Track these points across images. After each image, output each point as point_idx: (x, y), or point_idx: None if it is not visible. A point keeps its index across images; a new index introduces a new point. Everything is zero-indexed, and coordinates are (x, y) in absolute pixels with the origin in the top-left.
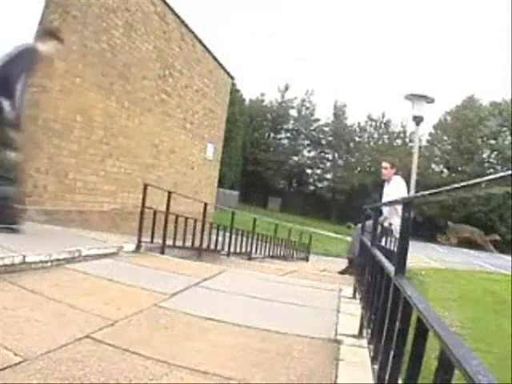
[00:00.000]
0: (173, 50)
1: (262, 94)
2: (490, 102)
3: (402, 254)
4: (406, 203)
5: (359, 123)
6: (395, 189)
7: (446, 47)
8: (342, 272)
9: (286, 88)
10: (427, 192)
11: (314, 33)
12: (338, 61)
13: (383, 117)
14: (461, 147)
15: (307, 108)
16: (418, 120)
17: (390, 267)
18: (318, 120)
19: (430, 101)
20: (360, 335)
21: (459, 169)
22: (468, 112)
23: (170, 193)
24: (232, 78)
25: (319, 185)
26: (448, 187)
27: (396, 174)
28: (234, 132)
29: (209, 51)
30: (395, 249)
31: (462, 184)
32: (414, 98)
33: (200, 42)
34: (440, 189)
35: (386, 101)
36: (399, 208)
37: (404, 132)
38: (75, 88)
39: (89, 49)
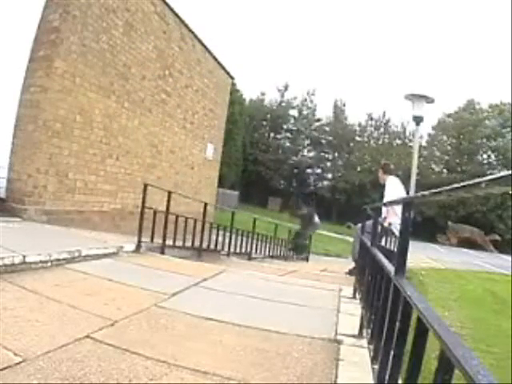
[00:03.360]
0: (173, 50)
1: (263, 94)
2: (489, 104)
3: (402, 253)
4: (406, 203)
5: (360, 123)
6: (386, 189)
7: (446, 47)
8: (349, 273)
9: (286, 87)
10: (427, 192)
11: (314, 32)
12: (338, 60)
13: (383, 116)
14: (460, 148)
15: (308, 107)
16: (418, 120)
17: (389, 267)
18: (319, 120)
19: (430, 101)
20: (360, 335)
21: (459, 169)
22: (467, 114)
23: (169, 193)
24: (232, 77)
25: (319, 184)
26: (448, 187)
27: (386, 173)
28: (234, 132)
29: (209, 51)
30: (395, 249)
31: (463, 184)
32: (414, 97)
33: (200, 41)
34: (440, 189)
35: (386, 100)
36: (396, 208)
37: (404, 132)
38: (75, 88)
39: (89, 49)
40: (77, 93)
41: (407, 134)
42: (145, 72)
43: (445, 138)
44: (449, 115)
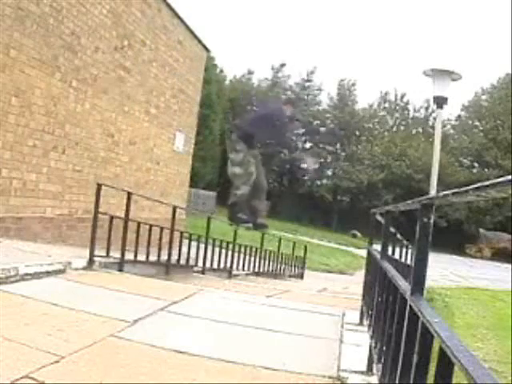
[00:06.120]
0: (133, 16)
1: (250, 73)
2: None
3: (420, 268)
4: (425, 205)
5: (371, 106)
6: None
7: (479, 12)
8: None
9: (282, 66)
10: (450, 191)
11: (317, 1)
12: (346, 32)
13: (401, 98)
14: (498, 137)
15: (306, 88)
16: (440, 102)
17: (405, 285)
18: (319, 103)
19: (457, 77)
20: (369, 371)
21: (494, 163)
22: (505, 90)
23: (130, 194)
24: (208, 50)
25: (317, 183)
26: (477, 185)
27: None
28: (211, 118)
29: (179, 17)
30: (411, 262)
31: (496, 181)
32: (436, 73)
33: (168, 5)
34: (467, 187)
35: (407, 79)
36: None
37: (427, 117)
38: (9, 63)
39: (27, 13)
40: (12, 69)
41: (431, 120)
42: (98, 43)
43: (477, 122)
44: (484, 91)
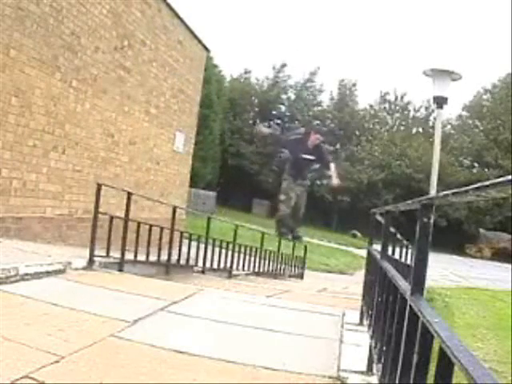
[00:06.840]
0: (133, 16)
1: (248, 72)
2: None
3: (420, 268)
4: (425, 205)
5: (372, 106)
6: None
7: (479, 12)
8: None
9: (283, 66)
10: (450, 191)
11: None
12: (346, 32)
13: (401, 98)
14: (499, 137)
15: (308, 88)
16: (440, 102)
17: (404, 285)
18: (320, 103)
19: (457, 77)
20: (369, 371)
21: (494, 163)
22: (506, 90)
23: (130, 194)
24: (208, 50)
25: (317, 183)
26: (477, 185)
27: None
28: (210, 118)
29: (179, 17)
30: (411, 262)
31: (496, 181)
32: (436, 73)
33: (168, 5)
34: (467, 187)
35: (404, 79)
36: None
37: (427, 117)
38: (9, 63)
39: (27, 13)
40: (12, 69)
41: (431, 120)
42: (98, 43)
43: (478, 122)
44: (486, 91)
